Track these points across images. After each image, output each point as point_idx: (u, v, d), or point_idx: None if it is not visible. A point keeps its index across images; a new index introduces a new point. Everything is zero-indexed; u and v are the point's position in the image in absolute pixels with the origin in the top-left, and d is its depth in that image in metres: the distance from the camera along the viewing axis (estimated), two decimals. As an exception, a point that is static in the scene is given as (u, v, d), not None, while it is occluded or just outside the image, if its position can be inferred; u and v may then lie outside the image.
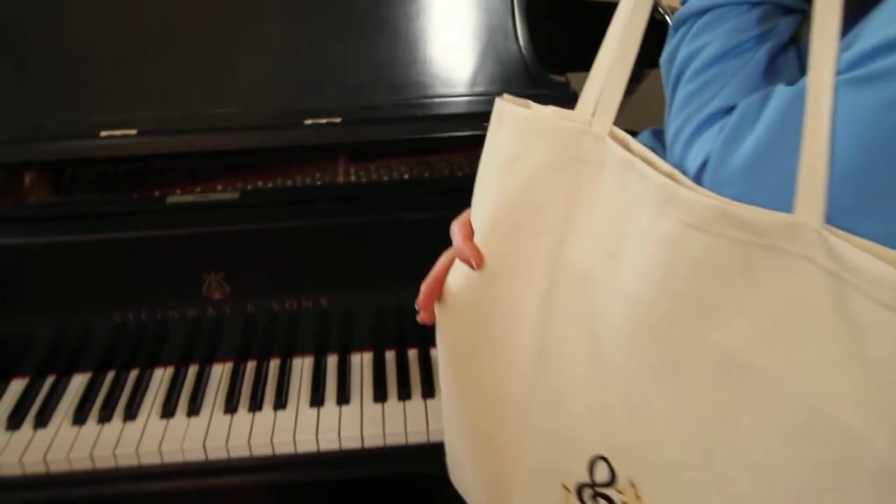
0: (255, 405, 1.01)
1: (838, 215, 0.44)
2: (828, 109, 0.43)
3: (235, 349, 1.08)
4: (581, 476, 0.64)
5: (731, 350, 0.50)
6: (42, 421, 1.00)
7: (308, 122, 1.11)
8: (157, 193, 1.14)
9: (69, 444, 0.97)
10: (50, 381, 1.06)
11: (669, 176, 0.52)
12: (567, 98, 1.15)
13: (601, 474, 0.63)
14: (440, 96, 1.14)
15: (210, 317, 1.05)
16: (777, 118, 0.48)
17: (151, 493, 0.98)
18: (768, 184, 0.47)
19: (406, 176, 1.17)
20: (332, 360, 1.07)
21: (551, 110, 0.59)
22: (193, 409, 1.01)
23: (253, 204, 1.03)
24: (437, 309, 0.71)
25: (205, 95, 1.12)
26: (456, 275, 0.68)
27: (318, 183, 1.15)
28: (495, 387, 0.70)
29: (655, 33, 0.61)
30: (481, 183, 0.64)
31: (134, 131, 1.10)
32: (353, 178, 1.17)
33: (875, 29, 0.45)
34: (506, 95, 0.61)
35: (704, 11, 0.58)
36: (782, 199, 0.46)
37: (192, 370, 1.07)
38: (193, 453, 0.96)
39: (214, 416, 1.00)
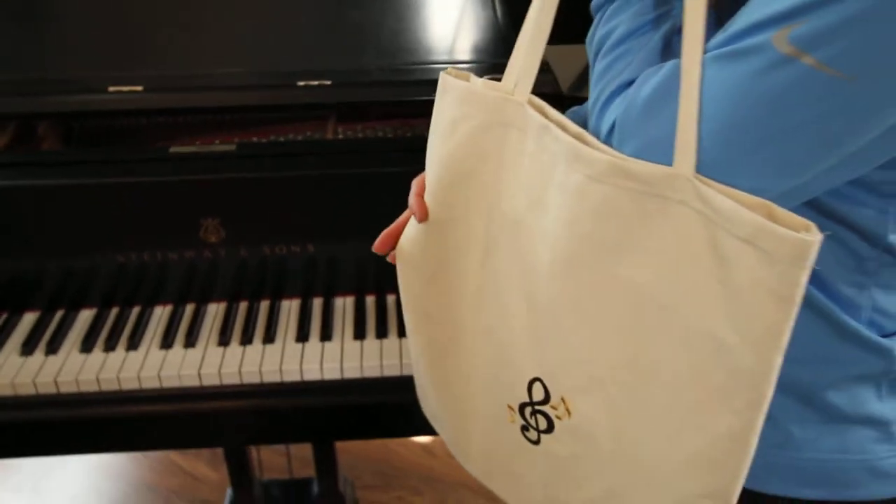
0: (247, 339, 1.11)
1: (713, 170, 0.54)
2: (696, 82, 0.53)
3: (229, 290, 1.18)
4: (522, 397, 0.74)
5: (635, 282, 0.60)
6: (53, 349, 1.10)
7: (301, 83, 1.21)
8: (160, 145, 1.23)
9: (77, 368, 1.07)
10: (59, 314, 1.16)
11: (577, 137, 0.61)
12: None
13: (537, 394, 0.72)
14: (422, 63, 1.23)
15: (206, 259, 1.15)
16: (659, 87, 0.58)
17: (151, 415, 1.08)
18: (655, 141, 0.57)
19: (390, 136, 1.27)
20: (317, 302, 1.18)
21: (482, 82, 0.68)
22: (190, 342, 1.11)
23: (248, 155, 1.13)
24: (396, 256, 0.81)
25: (206, 56, 1.22)
26: (409, 227, 0.78)
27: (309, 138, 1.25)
28: (446, 324, 0.80)
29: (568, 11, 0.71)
30: (430, 146, 0.73)
31: (140, 87, 1.20)
32: (340, 136, 1.26)
33: (748, 11, 0.54)
34: (449, 69, 0.70)
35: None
36: (668, 154, 0.56)
37: (190, 308, 1.17)
38: (189, 379, 1.07)
39: (209, 348, 1.10)
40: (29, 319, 1.16)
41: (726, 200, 0.53)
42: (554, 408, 0.71)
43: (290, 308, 1.17)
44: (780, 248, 0.51)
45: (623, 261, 0.60)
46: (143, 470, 1.97)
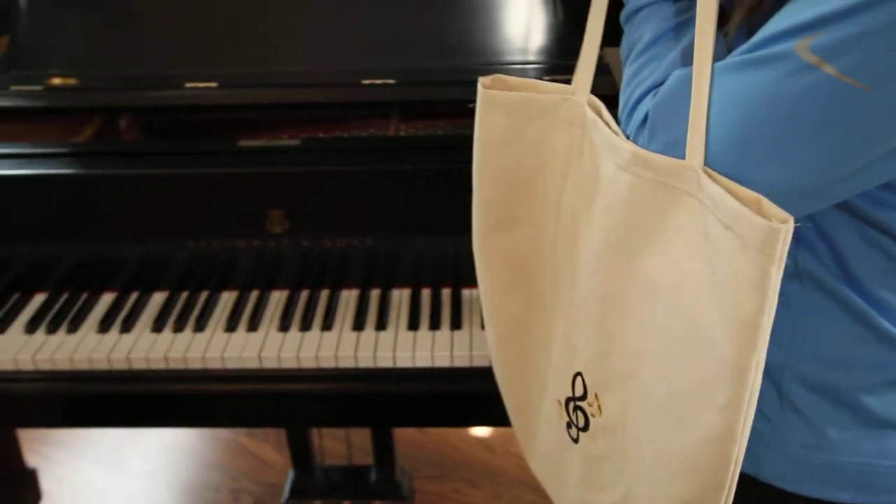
0: (306, 326, 1.16)
1: (727, 169, 0.56)
2: (706, 87, 0.56)
3: (291, 279, 1.23)
4: (567, 391, 0.77)
5: (651, 274, 0.62)
6: (127, 327, 1.17)
7: (365, 81, 1.25)
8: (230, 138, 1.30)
9: (148, 346, 1.14)
10: (134, 296, 1.24)
11: (616, 131, 0.65)
12: (598, 69, 1.25)
13: (578, 389, 0.75)
14: (484, 64, 1.26)
15: (271, 248, 1.20)
16: (675, 89, 0.61)
17: (214, 393, 1.14)
18: (682, 137, 0.59)
19: (450, 134, 1.30)
20: (374, 293, 1.22)
21: (542, 85, 0.72)
22: (253, 326, 1.17)
23: (313, 149, 1.18)
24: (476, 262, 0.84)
25: (276, 55, 1.27)
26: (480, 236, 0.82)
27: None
28: (526, 326, 0.83)
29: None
30: (481, 157, 0.76)
31: (214, 84, 1.26)
32: (402, 134, 1.30)
33: (773, 22, 0.56)
34: (483, 79, 0.73)
35: (640, 9, 0.71)
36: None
37: (254, 294, 1.23)
38: (250, 361, 1.12)
39: (270, 333, 1.16)
40: (107, 300, 1.24)
41: (716, 187, 0.55)
42: (590, 404, 0.74)
43: (348, 297, 1.22)
44: (751, 234, 0.52)
45: (645, 252, 0.63)
46: (213, 450, 2.06)
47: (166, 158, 1.18)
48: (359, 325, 1.16)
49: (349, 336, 1.14)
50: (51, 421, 1.36)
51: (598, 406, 0.72)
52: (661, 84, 0.63)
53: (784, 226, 0.51)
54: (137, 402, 1.18)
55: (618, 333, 0.68)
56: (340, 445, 1.87)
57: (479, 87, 0.73)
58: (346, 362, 1.12)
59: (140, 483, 1.97)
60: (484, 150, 0.76)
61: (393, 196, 1.17)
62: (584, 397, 0.74)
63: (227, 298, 1.23)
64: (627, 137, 0.65)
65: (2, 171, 1.17)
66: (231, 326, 1.17)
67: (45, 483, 1.87)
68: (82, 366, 1.14)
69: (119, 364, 1.13)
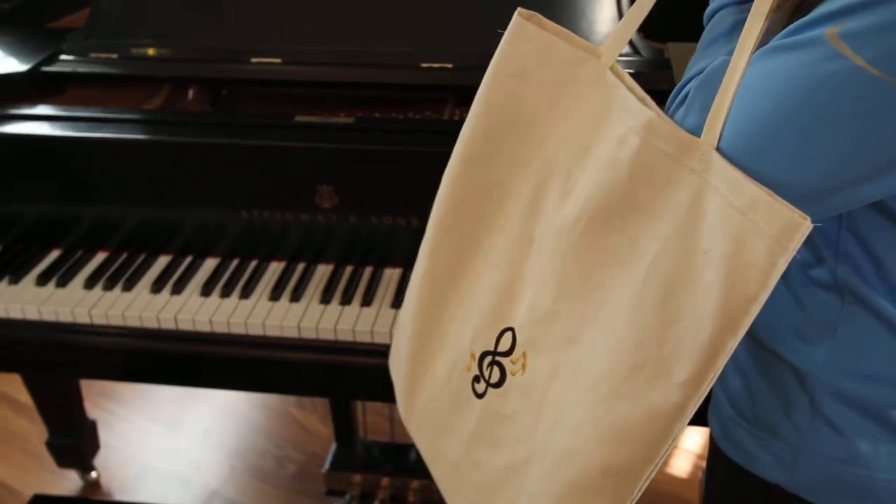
0: (346, 300, 1.19)
1: (745, 153, 0.56)
2: (739, 71, 0.55)
3: (337, 254, 1.26)
4: (488, 345, 0.75)
5: (631, 242, 0.62)
6: (178, 289, 1.22)
7: (424, 64, 1.26)
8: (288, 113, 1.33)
9: (195, 309, 1.18)
10: (188, 260, 1.29)
11: (641, 100, 0.63)
12: (660, 64, 1.24)
13: (504, 344, 0.73)
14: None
15: (319, 223, 1.23)
16: (715, 70, 0.62)
17: (251, 357, 1.18)
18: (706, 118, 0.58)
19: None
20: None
21: (566, 34, 0.70)
22: (296, 297, 1.20)
23: (365, 128, 1.20)
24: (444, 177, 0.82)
25: (337, 35, 1.30)
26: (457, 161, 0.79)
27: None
28: (457, 259, 0.80)
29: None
30: (490, 83, 0.73)
31: (278, 60, 1.30)
32: (457, 118, 1.31)
33: (819, 8, 0.54)
34: (521, 10, 0.71)
35: (720, 8, 0.72)
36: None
37: (300, 266, 1.26)
38: (289, 330, 1.16)
39: (311, 305, 1.19)
40: (162, 262, 1.29)
41: (735, 170, 0.54)
42: (513, 361, 0.72)
43: (390, 276, 1.24)
44: (770, 222, 0.52)
45: (629, 219, 0.62)
46: (263, 417, 2.12)
47: (227, 129, 1.23)
48: (398, 302, 1.18)
49: (387, 312, 1.16)
50: (102, 373, 1.43)
51: (524, 365, 0.71)
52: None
53: (807, 220, 0.51)
54: (183, 362, 1.23)
55: (574, 295, 0.66)
56: (384, 422, 1.90)
57: (516, 15, 0.71)
58: (382, 338, 1.14)
59: (191, 443, 2.05)
60: (495, 77, 0.73)
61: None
62: (508, 353, 0.72)
63: (275, 268, 1.26)
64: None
65: (76, 133, 1.23)
66: (275, 296, 1.20)
67: (104, 435, 1.96)
68: (133, 323, 1.19)
69: (167, 324, 1.18)
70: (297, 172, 1.21)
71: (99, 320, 1.19)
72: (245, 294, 1.21)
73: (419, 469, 1.76)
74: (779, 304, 0.69)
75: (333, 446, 1.80)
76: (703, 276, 0.56)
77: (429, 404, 0.85)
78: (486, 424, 0.76)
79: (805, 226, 0.51)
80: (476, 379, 0.77)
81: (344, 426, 1.76)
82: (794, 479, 0.73)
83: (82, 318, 1.20)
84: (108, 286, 1.23)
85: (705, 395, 0.58)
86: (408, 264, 1.24)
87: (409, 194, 1.20)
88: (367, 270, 1.25)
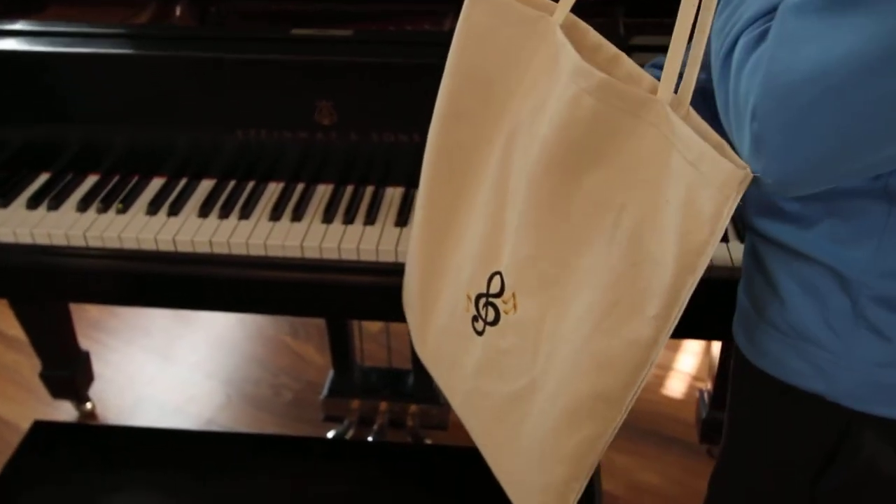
0: (349, 219, 1.16)
1: (783, 130, 0.55)
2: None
3: (337, 173, 1.23)
4: (481, 287, 0.82)
5: (599, 190, 0.68)
6: (174, 210, 1.19)
7: (422, -25, 1.22)
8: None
9: (194, 230, 1.15)
10: (183, 182, 1.25)
11: (595, 49, 0.70)
12: None
13: (494, 287, 0.80)
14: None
15: (318, 141, 1.20)
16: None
17: (252, 279, 1.16)
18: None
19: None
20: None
21: None
22: (297, 216, 1.17)
23: (364, 41, 1.16)
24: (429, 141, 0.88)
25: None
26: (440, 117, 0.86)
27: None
28: (450, 209, 0.86)
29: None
30: (459, 48, 0.79)
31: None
32: (458, 32, 1.27)
33: None
34: None
35: None
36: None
37: (299, 186, 1.23)
38: (292, 250, 1.13)
39: (313, 224, 1.16)
40: (156, 184, 1.25)
41: (684, 126, 0.59)
42: (504, 301, 0.79)
43: (392, 195, 1.21)
44: (714, 174, 0.57)
45: (594, 171, 0.67)
46: (257, 346, 2.11)
47: (220, 43, 1.18)
48: (402, 220, 1.16)
49: (391, 231, 1.14)
50: (98, 297, 1.41)
51: (514, 304, 0.78)
52: (760, 17, 0.58)
53: (745, 170, 0.56)
54: (181, 285, 1.20)
55: (550, 242, 0.72)
56: (380, 350, 1.90)
57: None
58: (387, 256, 1.12)
59: (185, 372, 2.04)
60: (460, 41, 0.78)
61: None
62: (499, 294, 0.79)
63: (273, 189, 1.23)
64: (722, 81, 0.62)
65: (61, 49, 1.18)
66: (276, 216, 1.17)
67: (98, 366, 1.94)
68: (130, 245, 1.16)
69: (165, 245, 1.15)
70: (294, 88, 1.17)
71: (94, 243, 1.16)
72: (244, 214, 1.18)
73: (417, 393, 1.76)
74: (811, 216, 0.68)
75: (331, 373, 1.80)
76: (665, 224, 0.62)
77: (438, 342, 0.92)
78: (488, 358, 0.83)
79: (743, 174, 0.56)
80: (474, 318, 0.84)
81: (341, 352, 1.76)
82: (834, 386, 0.72)
83: (77, 241, 1.16)
84: (102, 208, 1.20)
85: (675, 325, 0.64)
86: (410, 182, 1.22)
87: (410, 109, 1.16)
88: (369, 190, 1.22)
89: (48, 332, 1.76)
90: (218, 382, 2.00)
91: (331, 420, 1.79)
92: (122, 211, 1.19)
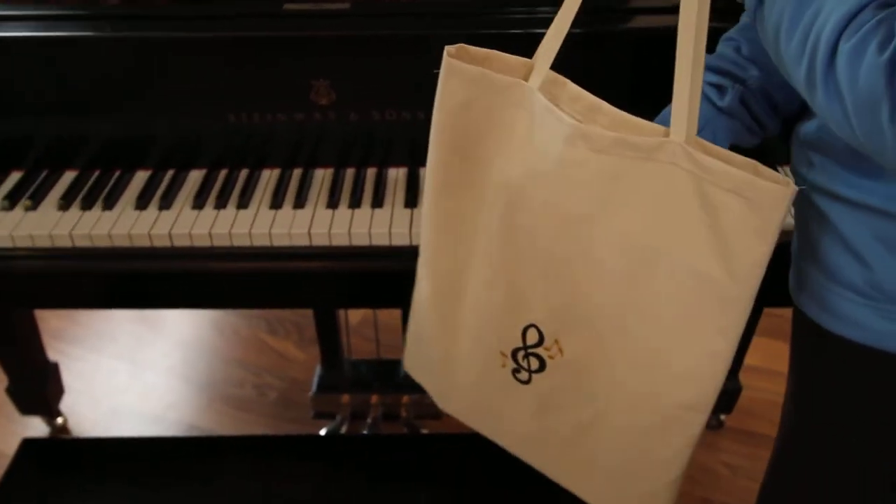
0: (355, 203, 1.11)
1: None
2: (690, 59, 0.64)
3: (337, 156, 1.17)
4: (516, 342, 0.84)
5: (628, 233, 0.71)
6: (166, 204, 1.11)
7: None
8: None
9: (191, 223, 1.08)
10: (170, 174, 1.18)
11: (586, 112, 0.74)
12: None
13: (532, 338, 0.83)
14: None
15: (316, 122, 1.13)
16: None
17: (262, 269, 1.09)
18: None
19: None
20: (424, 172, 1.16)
21: (496, 61, 0.78)
22: (300, 203, 1.11)
23: (363, 14, 1.10)
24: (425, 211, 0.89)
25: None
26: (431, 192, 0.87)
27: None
28: (453, 274, 0.88)
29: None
30: (438, 122, 0.81)
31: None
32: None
33: None
34: (449, 48, 0.78)
35: None
36: None
37: (297, 172, 1.17)
38: (300, 238, 1.07)
39: (318, 210, 1.10)
40: (141, 177, 1.17)
41: (710, 160, 0.65)
42: (547, 349, 0.82)
43: (397, 176, 1.16)
44: (762, 197, 0.62)
45: (620, 215, 0.71)
46: (233, 347, 2.03)
47: (205, 21, 1.10)
48: (411, 201, 1.10)
49: (402, 213, 1.09)
50: (87, 302, 1.32)
51: (560, 349, 0.81)
52: (852, 17, 0.56)
53: (789, 188, 0.62)
54: (180, 282, 1.13)
55: (582, 286, 0.76)
56: (369, 344, 1.84)
57: (445, 55, 0.78)
58: (400, 240, 1.06)
59: (160, 379, 1.95)
60: (441, 114, 0.80)
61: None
62: (539, 344, 0.83)
63: (268, 176, 1.17)
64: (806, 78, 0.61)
65: (27, 32, 1.09)
66: (276, 203, 1.11)
67: (67, 378, 1.84)
68: (122, 243, 1.08)
69: (160, 241, 1.08)
70: (288, 67, 1.10)
71: (82, 242, 1.08)
72: (243, 203, 1.11)
73: (410, 383, 1.71)
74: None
75: (318, 368, 1.73)
76: (716, 247, 0.67)
77: (471, 399, 0.95)
78: (543, 401, 0.86)
79: (790, 192, 0.62)
80: (516, 371, 0.86)
81: (329, 347, 1.70)
82: None
83: (62, 241, 1.08)
84: (86, 205, 1.12)
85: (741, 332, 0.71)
86: (415, 161, 1.16)
87: (413, 85, 1.10)
88: (371, 172, 1.16)
89: (13, 343, 1.65)
90: (197, 386, 1.92)
91: (321, 417, 1.73)
92: (110, 207, 1.11)
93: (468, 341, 0.89)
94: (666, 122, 0.74)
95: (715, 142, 0.83)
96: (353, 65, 1.10)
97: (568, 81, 0.76)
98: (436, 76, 0.80)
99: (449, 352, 0.93)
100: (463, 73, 0.77)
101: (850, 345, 0.73)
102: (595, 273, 0.75)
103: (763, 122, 0.86)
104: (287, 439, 1.40)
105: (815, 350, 0.79)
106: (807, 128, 0.75)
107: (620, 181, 0.70)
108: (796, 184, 0.79)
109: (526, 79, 0.76)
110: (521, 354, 0.84)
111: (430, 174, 0.84)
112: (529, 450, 0.93)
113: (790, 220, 1.03)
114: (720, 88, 0.83)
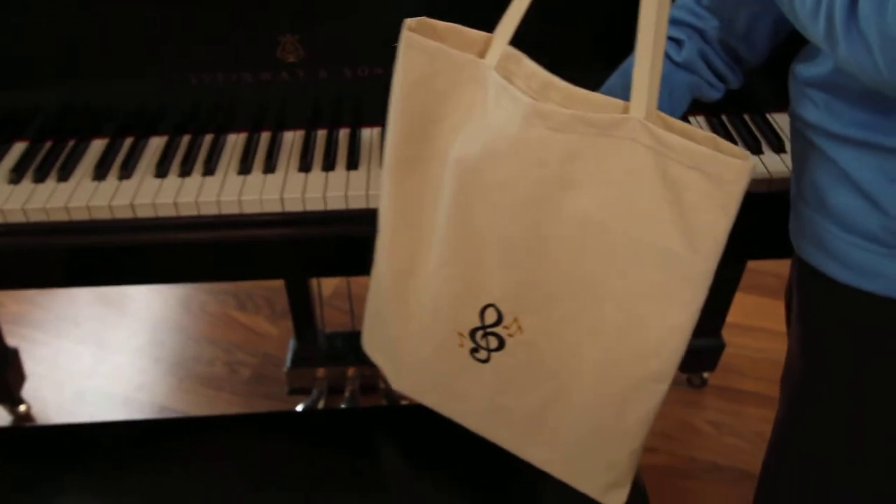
0: (328, 165, 1.05)
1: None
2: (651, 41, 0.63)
3: (306, 117, 1.11)
4: (474, 322, 0.83)
5: (589, 211, 0.70)
6: (126, 173, 1.05)
7: None
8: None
9: (154, 192, 1.02)
10: (129, 141, 1.11)
11: (541, 90, 0.72)
12: None
13: (490, 318, 0.81)
14: None
15: (283, 81, 1.07)
16: None
17: (232, 239, 1.03)
18: None
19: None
20: (400, 131, 1.10)
21: (455, 35, 0.75)
22: (270, 167, 1.05)
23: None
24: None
25: None
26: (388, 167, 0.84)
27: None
28: (409, 256, 0.86)
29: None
30: (397, 95, 0.79)
31: None
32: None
33: None
34: (408, 21, 0.76)
35: None
36: None
37: (265, 136, 1.10)
38: (272, 204, 1.01)
39: (290, 174, 1.04)
40: (97, 146, 1.10)
41: (671, 136, 0.64)
42: (506, 327, 0.81)
43: (371, 136, 1.10)
44: (723, 172, 0.63)
45: (578, 195, 0.70)
46: (202, 325, 1.97)
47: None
48: (388, 162, 1.05)
49: (379, 174, 1.03)
50: (41, 281, 1.25)
51: (519, 327, 0.80)
52: None
53: (749, 161, 0.62)
54: (145, 256, 1.06)
55: (541, 267, 0.74)
56: (343, 316, 1.79)
57: (404, 28, 0.75)
58: (378, 202, 1.01)
59: (127, 360, 1.88)
60: (399, 88, 0.78)
61: (429, 12, 1.04)
62: (497, 323, 0.81)
63: (234, 141, 1.10)
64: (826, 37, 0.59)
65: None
66: (245, 168, 1.05)
67: (29, 364, 1.76)
68: (80, 216, 1.01)
69: (122, 212, 1.01)
70: (251, 22, 1.03)
71: (37, 217, 1.01)
72: (209, 170, 1.05)
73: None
74: None
75: (292, 343, 1.68)
76: (678, 222, 0.66)
77: (430, 379, 0.92)
78: (503, 378, 0.85)
79: (750, 165, 0.62)
80: (474, 350, 0.85)
81: (303, 320, 1.64)
82: None
83: (15, 216, 1.01)
84: (39, 177, 1.04)
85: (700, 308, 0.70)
86: (390, 120, 1.10)
87: (387, 37, 1.04)
88: (343, 133, 1.10)
89: (-31, 330, 1.57)
90: (166, 366, 1.85)
91: (297, 392, 1.68)
92: (65, 178, 1.04)
93: (425, 321, 0.87)
94: (612, 93, 0.75)
95: (672, 99, 0.83)
96: (323, 17, 1.03)
97: (524, 56, 0.73)
98: (395, 47, 0.77)
99: (406, 331, 0.91)
100: (421, 47, 0.75)
101: (865, 296, 0.69)
102: (555, 253, 0.74)
103: (724, 75, 0.84)
104: (263, 417, 1.35)
105: (823, 303, 0.76)
106: (813, 70, 0.70)
107: (579, 159, 0.68)
108: (797, 127, 0.76)
109: (483, 55, 0.74)
110: (479, 334, 0.83)
111: (388, 151, 0.82)
112: (490, 427, 0.92)
113: (782, 168, 1.00)
114: (677, 42, 0.81)
